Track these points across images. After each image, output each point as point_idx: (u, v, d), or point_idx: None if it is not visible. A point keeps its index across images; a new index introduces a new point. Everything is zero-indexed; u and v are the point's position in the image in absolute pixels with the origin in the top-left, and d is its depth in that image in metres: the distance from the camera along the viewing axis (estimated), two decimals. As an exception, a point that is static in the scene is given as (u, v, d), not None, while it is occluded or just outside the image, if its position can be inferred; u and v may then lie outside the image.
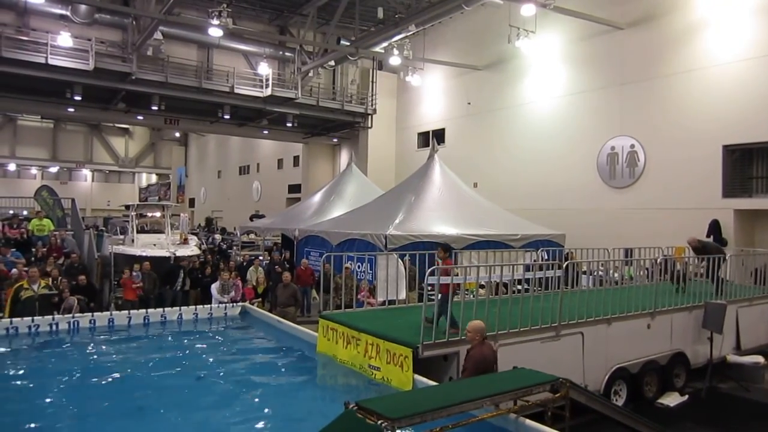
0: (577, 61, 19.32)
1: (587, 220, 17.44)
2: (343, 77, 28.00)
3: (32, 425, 6.03)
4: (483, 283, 7.96)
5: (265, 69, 24.61)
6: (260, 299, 13.31)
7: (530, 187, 20.07)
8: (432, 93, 26.01)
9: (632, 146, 17.20)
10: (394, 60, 22.14)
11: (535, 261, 10.26)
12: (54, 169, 43.76)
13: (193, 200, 44.54)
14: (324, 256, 9.73)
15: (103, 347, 10.06)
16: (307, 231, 17.48)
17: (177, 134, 44.95)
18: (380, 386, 7.02)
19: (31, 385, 7.56)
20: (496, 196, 18.60)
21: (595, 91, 18.54)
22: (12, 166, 42.29)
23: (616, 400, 8.19)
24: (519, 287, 7.80)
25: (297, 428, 6.17)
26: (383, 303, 9.73)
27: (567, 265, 8.56)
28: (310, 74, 25.22)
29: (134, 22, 22.01)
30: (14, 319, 10.23)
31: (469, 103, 23.66)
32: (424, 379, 6.39)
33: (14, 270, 12.41)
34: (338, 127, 28.39)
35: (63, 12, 21.67)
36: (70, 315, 11.02)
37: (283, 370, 8.52)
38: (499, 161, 21.78)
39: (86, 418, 6.38)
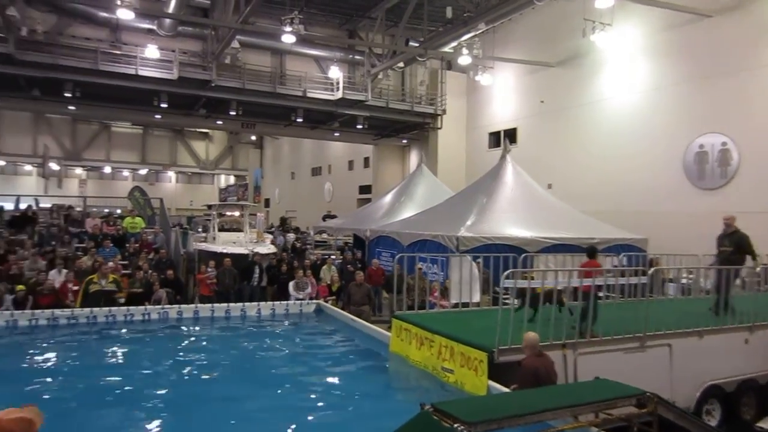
0: (659, 54, 18.43)
1: (672, 223, 16.44)
2: (412, 78, 28.10)
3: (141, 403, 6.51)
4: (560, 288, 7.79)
5: (335, 72, 25.11)
6: (334, 297, 13.62)
7: (608, 187, 19.29)
8: (503, 92, 25.61)
9: (724, 144, 16.18)
10: (464, 59, 21.94)
11: (615, 266, 9.89)
12: (143, 171, 46.65)
13: (268, 200, 46.06)
14: (397, 257, 9.81)
15: (192, 338, 10.69)
16: (379, 231, 17.69)
17: (253, 137, 46.63)
18: (453, 389, 7.03)
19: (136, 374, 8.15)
20: (571, 197, 17.96)
21: (680, 85, 17.61)
22: (107, 169, 45.51)
23: (709, 420, 7.71)
24: (600, 294, 7.52)
25: (370, 426, 6.28)
26: (455, 305, 9.73)
27: (653, 272, 8.15)
28: (380, 76, 25.49)
29: (213, 33, 23.07)
30: (117, 308, 11.18)
31: (542, 102, 23.12)
32: (499, 386, 6.29)
33: (110, 263, 13.32)
34: (408, 128, 28.52)
35: (150, 26, 23.17)
36: (160, 306, 11.82)
37: (356, 367, 8.72)
38: (574, 161, 21.13)
39: (181, 402, 6.82)
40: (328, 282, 14.43)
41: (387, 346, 8.95)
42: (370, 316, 12.06)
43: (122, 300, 11.84)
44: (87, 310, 11.07)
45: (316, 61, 27.26)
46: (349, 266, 15.73)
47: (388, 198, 21.46)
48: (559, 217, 15.10)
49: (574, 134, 21.46)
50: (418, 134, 28.83)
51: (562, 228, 14.31)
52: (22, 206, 18.87)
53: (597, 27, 17.50)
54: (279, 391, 7.26)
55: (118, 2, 17.09)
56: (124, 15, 18.27)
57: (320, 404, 6.91)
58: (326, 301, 12.82)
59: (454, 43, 21.20)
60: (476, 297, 9.94)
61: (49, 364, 8.71)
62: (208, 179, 50.05)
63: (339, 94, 24.56)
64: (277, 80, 24.71)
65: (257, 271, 14.66)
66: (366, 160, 33.36)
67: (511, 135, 23.86)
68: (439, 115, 27.36)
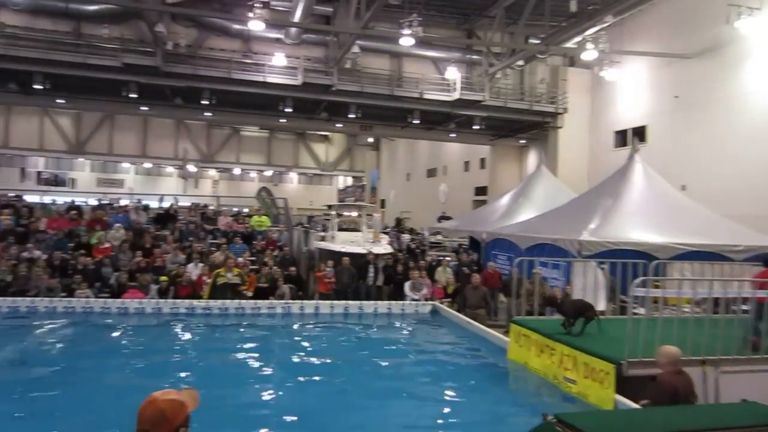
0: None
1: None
2: (532, 76, 27.27)
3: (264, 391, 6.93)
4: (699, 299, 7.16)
5: (452, 73, 25.04)
6: (450, 299, 13.55)
7: (755, 190, 17.33)
8: (631, 87, 24.02)
9: None
10: (588, 55, 20.89)
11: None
12: (268, 173, 49.61)
13: (383, 201, 46.97)
14: (516, 261, 9.55)
15: (314, 332, 11.17)
16: (495, 234, 17.33)
17: (370, 140, 47.76)
18: (576, 401, 6.72)
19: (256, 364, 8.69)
20: (709, 200, 16.28)
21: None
22: (237, 170, 49.00)
23: None
24: (744, 307, 6.81)
25: (488, 432, 6.20)
26: (578, 313, 9.27)
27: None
28: (498, 75, 25.01)
29: (335, 39, 23.98)
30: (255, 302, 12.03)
31: (676, 97, 21.35)
32: (628, 401, 5.85)
33: (240, 259, 14.31)
34: (526, 128, 27.71)
35: (278, 36, 24.67)
36: (284, 301, 12.49)
37: (473, 372, 8.59)
38: (713, 160, 19.29)
39: (305, 392, 7.15)
40: (444, 284, 14.39)
41: (504, 351, 8.75)
42: (485, 319, 11.85)
43: (249, 293, 12.66)
44: (219, 302, 11.98)
45: (433, 62, 27.38)
46: (464, 268, 15.58)
47: (506, 200, 20.96)
48: (695, 221, 13.80)
49: (712, 131, 19.60)
50: (537, 134, 27.90)
51: (699, 234, 13.05)
52: (164, 204, 20.77)
53: (743, 12, 15.88)
54: (394, 393, 7.30)
55: (250, 14, 18.32)
56: (256, 26, 19.58)
57: (436, 408, 6.88)
58: (441, 303, 12.80)
59: (578, 38, 20.29)
60: (601, 305, 9.40)
61: (186, 348, 9.52)
62: (327, 180, 52.03)
63: (456, 95, 24.45)
64: (395, 83, 25.14)
65: (372, 270, 14.99)
66: (482, 161, 32.88)
67: (639, 133, 22.33)
68: (560, 113, 26.29)
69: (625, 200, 14.19)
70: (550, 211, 16.74)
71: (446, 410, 6.85)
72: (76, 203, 19.31)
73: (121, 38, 23.55)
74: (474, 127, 26.92)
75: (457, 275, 15.07)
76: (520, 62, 24.10)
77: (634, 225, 13.31)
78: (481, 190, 32.20)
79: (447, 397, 7.31)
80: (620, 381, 6.17)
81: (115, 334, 10.28)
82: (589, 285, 8.93)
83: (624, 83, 23.98)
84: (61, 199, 20.89)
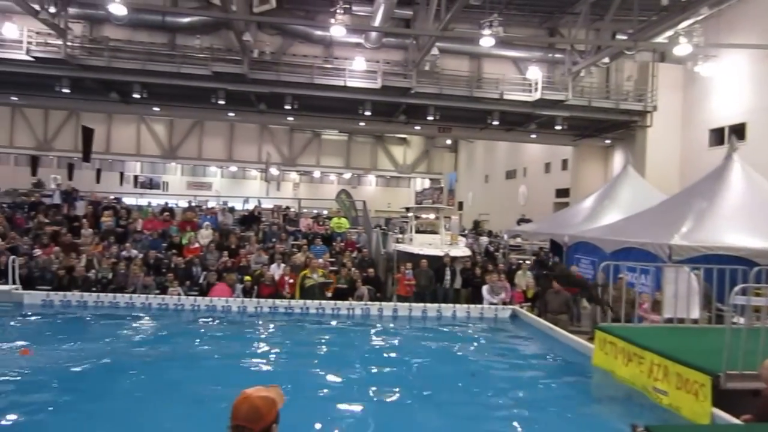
0: None
1: None
2: (618, 74, 26.13)
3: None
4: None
5: (534, 73, 24.47)
6: (530, 304, 13.25)
7: None
8: (728, 83, 22.45)
9: None
10: (682, 50, 19.65)
11: None
12: (347, 176, 50.60)
13: (461, 204, 46.59)
14: (602, 266, 9.19)
15: (390, 332, 11.29)
16: (578, 237, 16.73)
17: (448, 141, 47.57)
18: (667, 412, 6.37)
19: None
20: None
21: None
22: (317, 173, 50.37)
23: None
24: None
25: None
26: (669, 320, 8.80)
27: None
28: (581, 74, 24.17)
29: (414, 42, 24.08)
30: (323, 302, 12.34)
31: (781, 91, 19.81)
32: (727, 416, 5.47)
33: (320, 260, 14.69)
34: (611, 127, 26.57)
35: (358, 40, 25.12)
36: (363, 302, 12.68)
37: (554, 378, 8.35)
38: (824, 159, 17.70)
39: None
40: (523, 288, 14.09)
41: (589, 358, 8.45)
42: (567, 325, 11.48)
43: (329, 294, 12.97)
44: (301, 301, 12.37)
45: (513, 62, 26.89)
46: (545, 272, 15.17)
47: (589, 202, 20.18)
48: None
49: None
50: (623, 133, 26.68)
51: (808, 239, 12.03)
52: (249, 206, 21.66)
53: None
54: (472, 399, 7.22)
55: (332, 20, 18.79)
56: (337, 32, 20.07)
57: (516, 414, 6.74)
58: (521, 308, 12.53)
59: (669, 33, 19.22)
60: (695, 313, 8.86)
61: (269, 346, 9.89)
62: (405, 182, 52.28)
63: (537, 95, 23.88)
64: (474, 84, 24.89)
65: (449, 273, 14.90)
66: (564, 162, 31.88)
67: (738, 131, 20.83)
68: (649, 111, 25.01)
69: (721, 202, 13.28)
70: (638, 214, 15.95)
71: (525, 415, 6.69)
72: (169, 205, 20.51)
73: (211, 48, 24.82)
74: (556, 128, 26.11)
75: (538, 279, 14.70)
76: (606, 59, 23.14)
77: (732, 228, 12.42)
78: (562, 192, 31.24)
79: (525, 402, 7.16)
80: (716, 394, 5.79)
81: (203, 330, 10.85)
82: (682, 292, 8.43)
83: (720, 78, 22.47)
84: (155, 202, 22.31)
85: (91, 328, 10.89)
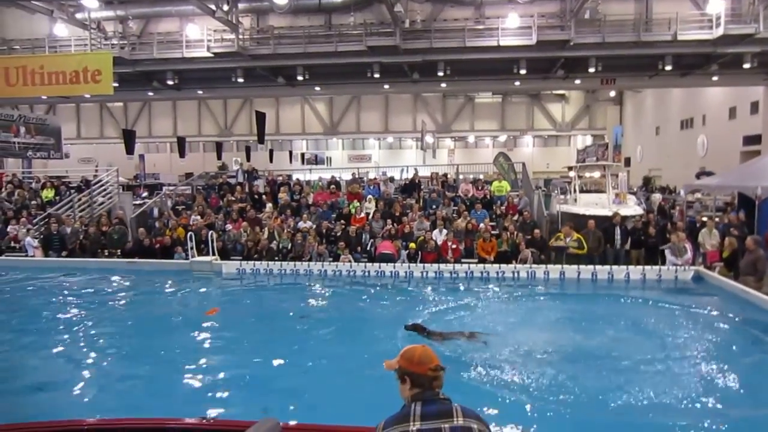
0: None
1: None
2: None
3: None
4: None
5: (715, 5, 21.53)
6: (723, 264, 11.88)
7: None
8: None
9: None
10: None
11: None
12: (502, 138, 49.37)
13: (628, 159, 43.13)
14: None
15: (560, 297, 11.04)
16: (775, 188, 14.69)
17: (612, 94, 44.17)
18: None
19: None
20: None
21: None
22: (471, 138, 49.91)
23: None
24: None
25: None
26: None
27: None
28: (776, -1, 20.79)
29: (571, -12, 22.56)
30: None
31: None
32: None
33: (481, 225, 14.75)
34: (817, 60, 22.64)
35: (512, -5, 24.15)
36: (527, 266, 12.51)
37: (753, 351, 7.59)
38: None
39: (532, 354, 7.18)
40: (709, 247, 12.75)
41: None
42: (757, 288, 10.25)
43: (490, 258, 13.04)
44: (465, 266, 12.57)
45: (688, -4, 23.97)
46: (732, 229, 13.58)
47: (788, 148, 17.58)
48: None
49: None
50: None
51: None
52: (406, 176, 22.21)
53: None
54: (656, 365, 6.81)
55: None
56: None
57: (710, 384, 6.25)
58: (713, 269, 11.35)
59: None
60: None
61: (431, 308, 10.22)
62: (564, 141, 49.63)
63: (719, 31, 21.04)
64: (642, 27, 22.66)
65: (619, 233, 14.02)
66: (754, 105, 27.85)
67: None
68: None
69: None
70: None
71: (724, 384, 6.17)
72: (335, 178, 21.86)
73: (364, 23, 25.60)
74: (744, 66, 22.88)
75: (723, 237, 13.22)
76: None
77: None
78: (752, 140, 27.42)
79: (725, 372, 6.54)
80: None
81: (373, 291, 11.70)
82: None
83: None
84: (322, 176, 23.87)
85: (279, 293, 12.36)
